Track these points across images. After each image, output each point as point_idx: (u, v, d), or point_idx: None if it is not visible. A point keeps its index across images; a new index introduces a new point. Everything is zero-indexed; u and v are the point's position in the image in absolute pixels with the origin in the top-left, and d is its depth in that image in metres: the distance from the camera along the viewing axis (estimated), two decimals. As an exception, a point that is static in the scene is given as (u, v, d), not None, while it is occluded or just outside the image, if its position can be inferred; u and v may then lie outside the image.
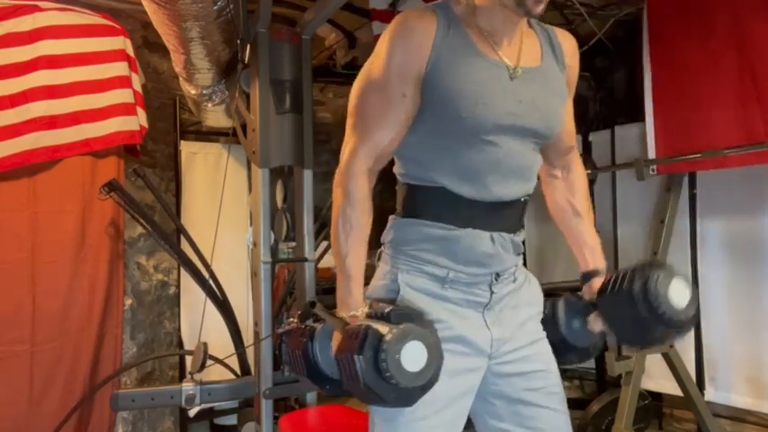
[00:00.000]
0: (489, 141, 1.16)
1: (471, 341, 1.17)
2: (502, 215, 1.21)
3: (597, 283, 1.32)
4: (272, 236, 2.41)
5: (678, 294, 1.16)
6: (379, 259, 1.28)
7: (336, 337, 1.12)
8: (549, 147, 1.32)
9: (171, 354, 3.32)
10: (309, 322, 1.25)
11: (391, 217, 1.27)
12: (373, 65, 1.19)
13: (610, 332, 1.28)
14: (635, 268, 1.22)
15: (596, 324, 1.30)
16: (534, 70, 1.22)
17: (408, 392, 1.02)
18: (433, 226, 1.19)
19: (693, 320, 1.19)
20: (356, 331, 1.03)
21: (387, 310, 1.07)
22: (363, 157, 1.18)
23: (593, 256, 1.37)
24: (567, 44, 1.31)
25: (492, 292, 1.21)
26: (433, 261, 1.18)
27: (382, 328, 1.02)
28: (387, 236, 1.26)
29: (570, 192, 1.41)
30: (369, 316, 1.11)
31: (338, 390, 1.17)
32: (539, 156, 1.27)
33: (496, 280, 1.21)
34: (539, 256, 3.73)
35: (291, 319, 1.30)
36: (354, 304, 1.14)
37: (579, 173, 1.44)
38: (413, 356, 1.00)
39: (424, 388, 1.03)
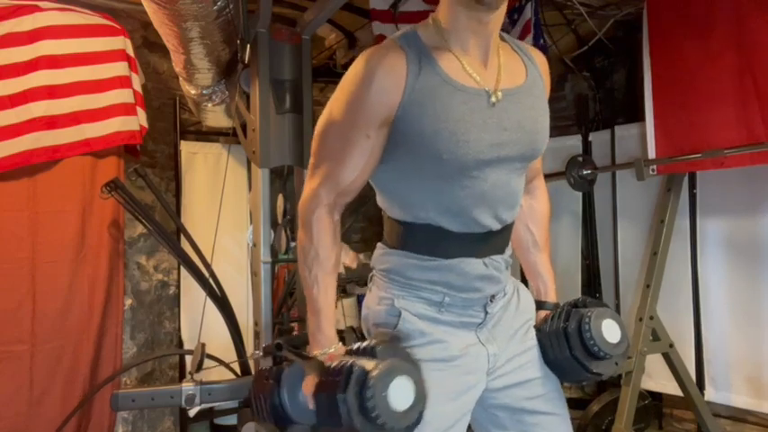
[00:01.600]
0: (473, 176, 1.11)
1: (470, 360, 1.17)
2: (490, 242, 1.19)
3: (542, 315, 1.34)
4: (272, 235, 2.41)
5: (610, 332, 1.21)
6: (370, 281, 1.27)
7: (310, 380, 1.05)
8: None
9: (170, 353, 3.31)
10: (269, 367, 1.18)
11: (380, 245, 1.26)
12: (335, 106, 1.13)
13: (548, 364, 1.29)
14: (569, 307, 1.27)
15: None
16: (518, 90, 1.17)
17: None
18: (423, 259, 1.17)
19: (624, 357, 1.25)
20: (338, 368, 0.97)
21: (371, 344, 1.01)
22: (324, 194, 1.14)
23: (545, 289, 1.39)
24: (541, 60, 1.27)
25: (486, 312, 1.21)
26: (429, 288, 1.17)
27: (367, 363, 0.95)
28: (378, 264, 1.24)
29: (532, 220, 1.39)
30: (349, 352, 1.05)
31: None
32: (524, 177, 1.24)
33: (491, 301, 1.21)
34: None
35: (257, 351, 1.27)
36: (325, 341, 1.11)
37: (543, 201, 1.41)
38: (400, 394, 0.94)
39: (410, 428, 0.97)
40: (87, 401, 2.68)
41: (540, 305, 1.35)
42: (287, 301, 3.01)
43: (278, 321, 2.36)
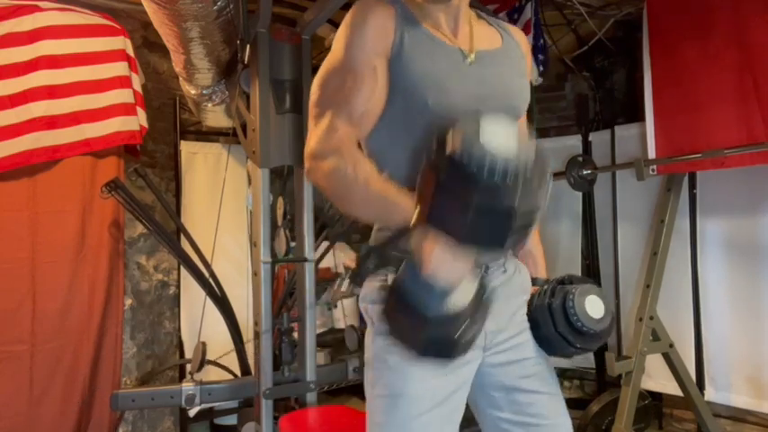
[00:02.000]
0: None
1: None
2: None
3: (532, 290, 1.35)
4: (282, 240, 2.41)
5: (593, 308, 1.27)
6: None
7: (427, 248, 0.88)
8: None
9: (172, 365, 3.31)
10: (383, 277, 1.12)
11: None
12: (334, 52, 1.15)
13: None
14: (554, 284, 1.32)
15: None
16: (495, 52, 1.23)
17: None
18: None
19: (609, 332, 1.28)
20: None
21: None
22: (341, 124, 1.07)
23: (535, 266, 1.41)
24: (520, 35, 1.33)
25: None
26: None
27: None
28: (373, 241, 1.24)
29: None
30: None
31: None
32: None
33: (486, 272, 1.21)
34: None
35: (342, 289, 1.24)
36: (407, 212, 0.95)
37: None
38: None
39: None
40: (85, 404, 2.68)
41: (531, 282, 1.36)
42: (287, 301, 3.01)
43: (278, 321, 2.36)
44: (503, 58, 1.23)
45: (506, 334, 1.23)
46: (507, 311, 1.24)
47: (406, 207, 0.95)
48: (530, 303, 1.31)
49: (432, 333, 0.89)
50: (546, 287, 1.31)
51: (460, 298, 0.88)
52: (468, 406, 1.24)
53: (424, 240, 0.89)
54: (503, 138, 0.77)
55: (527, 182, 0.76)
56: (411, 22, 1.15)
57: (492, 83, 1.19)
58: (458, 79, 1.15)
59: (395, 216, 0.99)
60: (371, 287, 1.20)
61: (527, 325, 1.28)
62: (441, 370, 1.08)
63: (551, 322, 1.25)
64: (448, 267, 0.88)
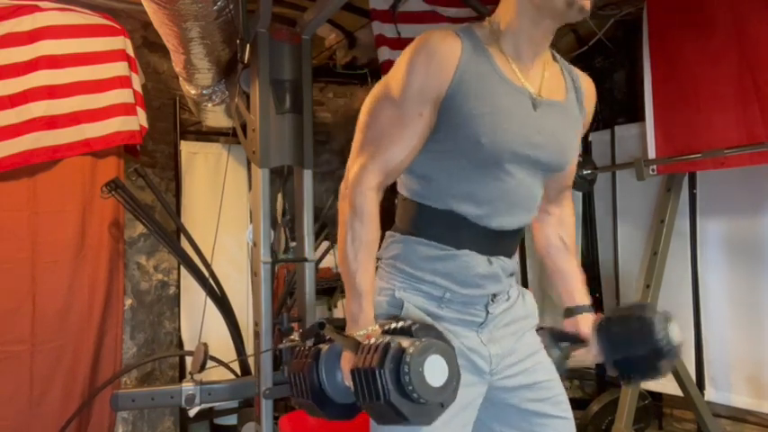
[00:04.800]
0: (504, 169, 1.15)
1: (469, 356, 1.17)
2: (501, 242, 1.21)
3: (586, 318, 1.37)
4: (272, 234, 2.41)
5: (675, 333, 1.29)
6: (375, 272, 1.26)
7: (347, 358, 1.08)
8: (550, 183, 1.32)
9: (170, 354, 3.32)
10: (310, 343, 1.20)
11: (389, 233, 1.26)
12: (390, 82, 1.16)
13: (609, 365, 1.35)
14: (633, 308, 1.35)
15: (585, 356, 1.37)
16: (557, 104, 1.22)
17: (429, 409, 1.00)
18: (431, 245, 1.18)
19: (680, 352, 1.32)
20: (376, 345, 1.01)
21: (407, 324, 1.05)
22: (375, 172, 1.14)
23: (580, 293, 1.41)
24: (589, 88, 1.32)
25: (488, 312, 1.21)
26: (431, 281, 1.18)
27: (404, 341, 0.99)
28: (385, 252, 1.25)
29: (563, 229, 1.44)
30: (385, 332, 1.08)
31: (343, 414, 1.15)
32: (542, 188, 1.27)
33: (493, 300, 1.22)
34: (539, 271, 3.71)
35: (292, 337, 1.27)
36: (365, 322, 1.11)
37: (570, 211, 1.47)
38: (435, 371, 0.98)
39: (444, 405, 1.01)
40: (86, 406, 2.68)
41: (576, 310, 1.39)
42: (287, 301, 3.01)
43: (278, 321, 2.36)
44: (562, 113, 1.23)
45: (514, 357, 1.23)
46: (511, 336, 1.25)
47: (365, 315, 1.11)
48: (600, 328, 1.34)
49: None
50: (620, 311, 1.38)
51: (435, 380, 0.99)
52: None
53: (349, 359, 1.07)
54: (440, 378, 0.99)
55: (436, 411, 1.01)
56: (480, 54, 1.14)
57: (549, 134, 1.18)
58: (518, 121, 1.14)
59: (354, 308, 1.12)
60: (377, 300, 1.20)
61: (537, 348, 1.29)
62: None
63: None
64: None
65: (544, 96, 1.19)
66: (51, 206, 2.64)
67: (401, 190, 1.26)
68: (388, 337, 1.02)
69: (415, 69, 1.12)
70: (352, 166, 1.17)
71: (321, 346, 1.17)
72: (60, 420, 2.60)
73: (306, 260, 2.29)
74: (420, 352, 0.97)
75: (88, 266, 2.76)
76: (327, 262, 3.51)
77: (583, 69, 1.37)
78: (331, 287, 3.79)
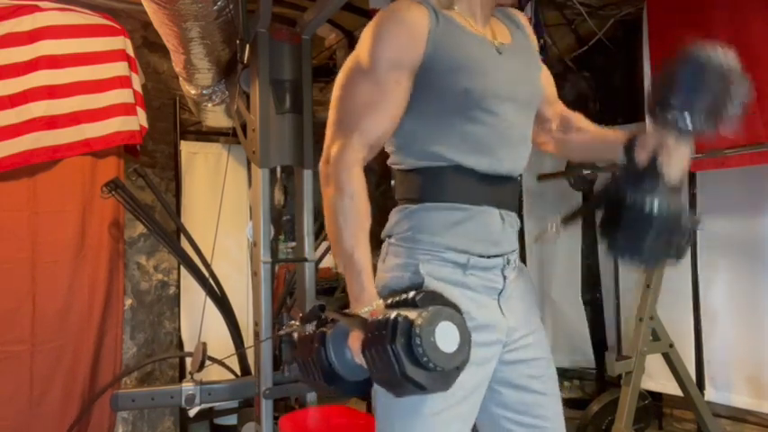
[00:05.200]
0: (493, 113, 1.17)
1: (492, 330, 1.17)
2: (507, 191, 1.24)
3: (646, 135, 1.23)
4: (272, 232, 2.41)
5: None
6: (383, 251, 1.24)
7: (356, 336, 1.07)
8: (542, 112, 1.38)
9: (170, 356, 3.31)
10: (311, 326, 1.18)
11: (396, 210, 1.24)
12: (362, 54, 1.16)
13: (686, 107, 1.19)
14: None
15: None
16: (509, 46, 1.27)
17: (446, 375, 0.99)
18: (450, 208, 1.17)
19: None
20: (383, 322, 0.99)
21: (410, 296, 1.04)
22: (357, 147, 1.13)
23: (624, 134, 1.31)
24: (523, 18, 1.38)
25: (504, 277, 1.22)
26: (453, 246, 1.17)
27: (410, 313, 0.98)
28: (398, 227, 1.22)
29: (576, 121, 1.45)
30: (389, 306, 1.06)
31: (358, 390, 1.15)
32: (532, 126, 1.31)
33: (507, 264, 1.23)
34: (540, 271, 3.70)
35: (293, 322, 1.26)
36: (368, 298, 1.10)
37: (575, 114, 1.47)
38: (446, 337, 0.97)
39: (460, 368, 1.01)
40: (86, 412, 2.68)
41: (633, 138, 1.24)
42: (287, 301, 3.01)
43: (278, 321, 2.36)
44: (516, 53, 1.27)
45: (520, 332, 1.23)
46: (521, 309, 1.25)
47: (367, 292, 1.10)
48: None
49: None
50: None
51: (448, 346, 0.98)
52: None
53: (357, 338, 1.05)
54: (449, 343, 0.98)
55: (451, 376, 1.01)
56: (442, 16, 1.17)
57: (518, 72, 1.24)
58: (492, 66, 1.19)
59: (355, 286, 1.11)
60: (398, 276, 1.19)
61: (537, 326, 1.29)
62: (470, 366, 1.06)
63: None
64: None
65: (501, 41, 1.25)
66: (51, 206, 2.64)
67: (397, 164, 1.25)
68: (394, 312, 1.00)
69: (388, 38, 1.13)
70: (332, 144, 1.15)
71: (324, 329, 1.15)
72: (60, 420, 2.60)
73: (306, 260, 2.30)
74: (429, 321, 0.96)
75: (88, 266, 2.76)
76: (327, 262, 3.51)
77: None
78: (331, 287, 3.79)
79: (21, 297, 2.55)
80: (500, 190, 1.21)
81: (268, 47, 2.17)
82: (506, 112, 1.19)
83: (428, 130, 1.18)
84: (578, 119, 1.46)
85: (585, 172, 3.16)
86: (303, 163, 2.26)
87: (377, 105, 1.13)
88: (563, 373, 3.60)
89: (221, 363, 2.45)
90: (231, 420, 3.42)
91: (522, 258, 3.57)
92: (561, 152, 1.49)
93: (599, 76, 3.52)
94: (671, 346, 2.72)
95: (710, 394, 2.82)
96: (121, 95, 2.76)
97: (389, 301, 1.08)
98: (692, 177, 2.85)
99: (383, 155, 1.26)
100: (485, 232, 1.19)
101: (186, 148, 3.47)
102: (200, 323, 2.23)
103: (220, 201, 2.36)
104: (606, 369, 2.69)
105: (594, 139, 1.42)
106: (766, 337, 2.63)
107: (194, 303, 3.23)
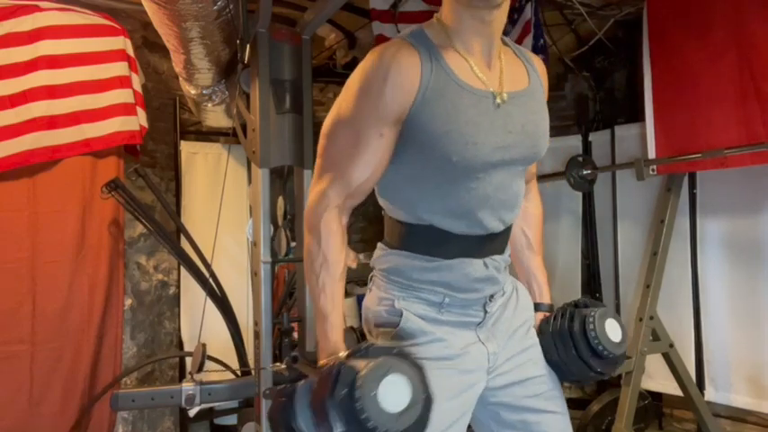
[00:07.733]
0: (478, 179, 1.12)
1: (470, 358, 1.17)
2: (491, 243, 1.20)
3: (540, 316, 1.35)
4: (272, 230, 2.41)
5: (613, 332, 1.23)
6: (370, 281, 1.26)
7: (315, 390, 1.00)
8: None
9: (170, 356, 3.31)
10: (283, 386, 1.13)
11: (380, 245, 1.25)
12: (345, 102, 1.11)
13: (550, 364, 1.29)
14: (571, 308, 1.29)
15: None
16: (522, 93, 1.18)
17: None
18: (425, 260, 1.16)
19: (624, 357, 1.27)
20: (328, 371, 0.91)
21: (366, 345, 0.97)
22: (333, 196, 1.11)
23: (540, 291, 1.39)
24: (540, 65, 1.28)
25: (485, 312, 1.21)
26: (429, 288, 1.17)
27: (358, 363, 0.87)
28: (378, 264, 1.24)
29: (527, 223, 1.40)
30: (349, 356, 0.98)
31: None
32: (524, 179, 1.26)
33: (490, 300, 1.22)
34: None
35: (278, 364, 1.24)
36: (331, 348, 1.07)
37: (538, 204, 1.43)
38: (393, 393, 0.84)
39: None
40: (86, 414, 2.68)
41: (535, 307, 1.36)
42: (287, 301, 3.01)
43: (278, 321, 2.36)
44: (529, 101, 1.19)
45: (507, 353, 1.22)
46: (508, 331, 1.24)
47: (330, 341, 1.07)
48: (542, 329, 1.29)
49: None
50: (561, 310, 1.29)
51: (393, 405, 0.88)
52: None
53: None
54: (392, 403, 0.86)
55: None
56: (437, 64, 1.08)
57: (518, 131, 1.14)
58: (485, 129, 1.10)
59: (320, 335, 1.09)
60: (376, 310, 1.20)
61: (531, 343, 1.27)
62: (446, 396, 1.07)
63: (572, 346, 1.20)
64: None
65: (507, 89, 1.14)
66: (51, 206, 2.63)
67: (382, 205, 1.24)
68: (342, 360, 0.91)
69: (374, 93, 1.06)
70: (312, 190, 1.15)
71: (299, 383, 1.09)
72: (60, 420, 2.59)
73: (306, 260, 2.29)
74: (373, 373, 0.83)
75: (88, 266, 2.75)
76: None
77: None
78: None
79: (21, 297, 2.54)
80: (483, 244, 1.18)
81: (268, 47, 2.17)
82: (494, 176, 1.14)
83: (409, 185, 1.16)
84: (534, 227, 1.41)
85: (586, 172, 3.16)
86: (303, 163, 2.26)
87: (359, 156, 1.09)
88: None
89: (222, 363, 2.45)
90: (231, 420, 3.42)
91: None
92: None
93: (599, 76, 3.52)
94: (671, 346, 2.73)
95: (710, 394, 2.82)
96: (121, 95, 2.76)
97: (353, 350, 1.00)
98: (692, 177, 2.85)
99: None
100: (464, 281, 1.17)
101: (186, 148, 3.47)
102: (200, 323, 2.23)
103: (220, 201, 2.36)
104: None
105: (518, 267, 1.41)
106: (766, 338, 2.63)
107: (194, 303, 3.23)
